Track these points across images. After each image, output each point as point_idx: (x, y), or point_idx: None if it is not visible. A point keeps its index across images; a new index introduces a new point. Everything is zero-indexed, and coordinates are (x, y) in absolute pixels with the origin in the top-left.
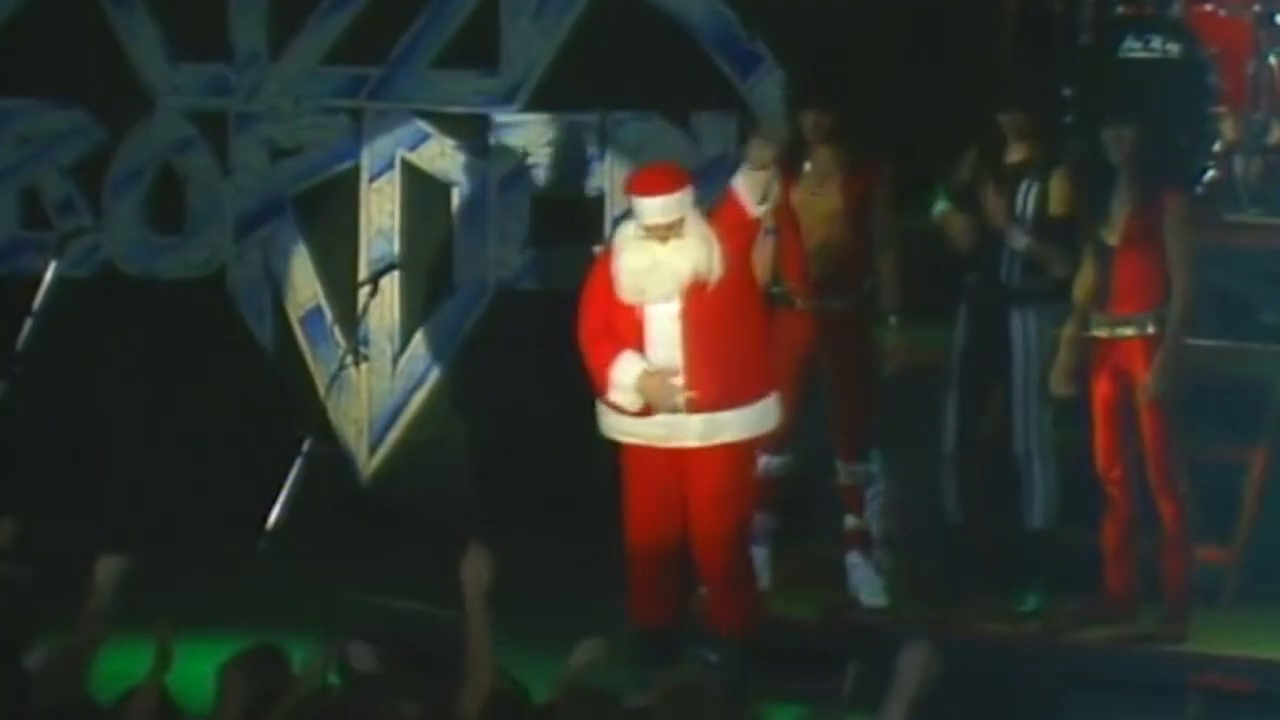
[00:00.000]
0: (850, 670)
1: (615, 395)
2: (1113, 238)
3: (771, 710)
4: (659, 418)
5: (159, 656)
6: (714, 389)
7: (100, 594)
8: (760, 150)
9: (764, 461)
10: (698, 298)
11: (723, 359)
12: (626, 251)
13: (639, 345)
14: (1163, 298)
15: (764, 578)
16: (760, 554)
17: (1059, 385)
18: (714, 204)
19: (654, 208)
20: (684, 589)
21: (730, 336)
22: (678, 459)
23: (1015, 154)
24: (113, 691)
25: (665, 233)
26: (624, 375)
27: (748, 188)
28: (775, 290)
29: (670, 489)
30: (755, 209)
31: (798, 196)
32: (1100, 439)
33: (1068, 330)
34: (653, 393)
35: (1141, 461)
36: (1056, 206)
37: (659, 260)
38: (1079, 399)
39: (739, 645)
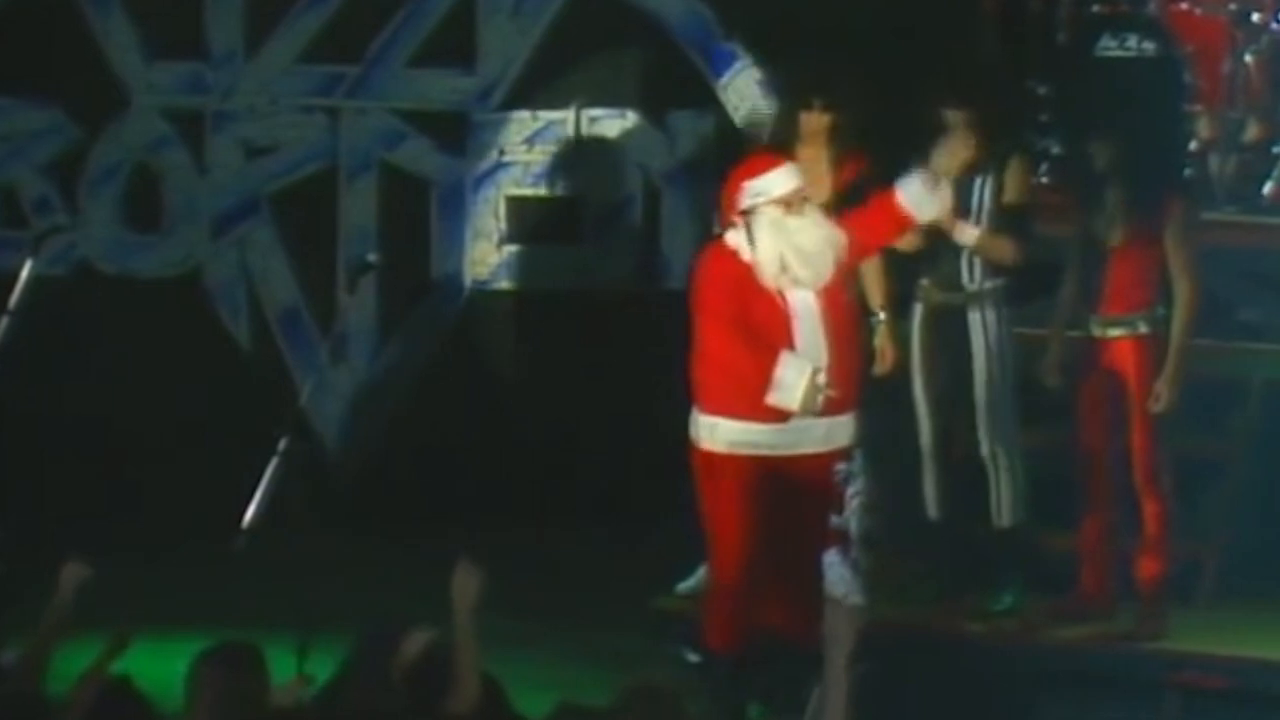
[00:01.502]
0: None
1: (778, 398)
2: (1109, 239)
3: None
4: (794, 423)
5: (111, 644)
6: (847, 389)
7: (62, 598)
8: (946, 159)
9: None
10: (832, 291)
11: (853, 357)
12: (766, 235)
13: (787, 341)
14: (1155, 299)
15: None
16: None
17: (1049, 378)
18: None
19: (782, 176)
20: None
21: (856, 334)
22: (787, 468)
23: (967, 150)
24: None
25: (797, 203)
26: (792, 375)
27: (920, 193)
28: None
29: (782, 502)
30: (920, 215)
31: None
32: (1084, 438)
33: (1055, 326)
34: (808, 394)
35: (1124, 461)
36: (1009, 196)
37: (801, 243)
38: (1050, 398)
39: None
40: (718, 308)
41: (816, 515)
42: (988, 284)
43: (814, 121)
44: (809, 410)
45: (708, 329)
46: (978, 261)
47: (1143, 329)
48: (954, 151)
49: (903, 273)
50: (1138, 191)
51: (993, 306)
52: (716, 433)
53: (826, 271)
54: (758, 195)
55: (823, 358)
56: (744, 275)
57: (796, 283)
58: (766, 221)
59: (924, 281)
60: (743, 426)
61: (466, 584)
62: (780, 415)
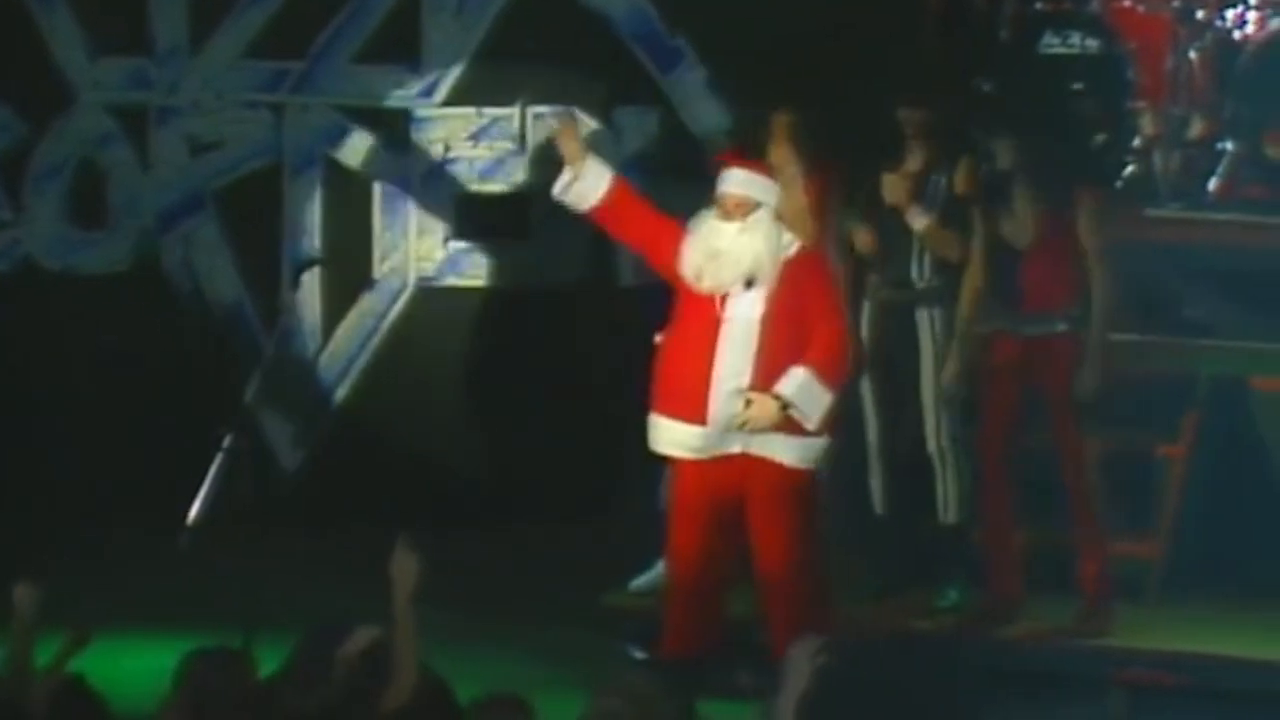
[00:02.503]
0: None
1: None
2: (1020, 239)
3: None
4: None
5: (69, 641)
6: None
7: (21, 618)
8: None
9: None
10: (781, 298)
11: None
12: (696, 232)
13: (710, 344)
14: (1073, 297)
15: None
16: None
17: (950, 381)
18: None
19: (735, 177)
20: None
21: (803, 342)
22: (718, 470)
23: (917, 149)
24: None
25: (736, 210)
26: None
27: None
28: None
29: (720, 505)
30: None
31: None
32: (990, 435)
33: (960, 327)
34: (722, 405)
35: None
36: (960, 187)
37: (720, 247)
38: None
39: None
40: (672, 306)
41: (769, 518)
42: (936, 281)
43: (786, 122)
44: (726, 423)
45: (664, 327)
46: (927, 258)
47: (1060, 327)
48: (909, 157)
49: (852, 270)
50: (1044, 188)
51: (941, 304)
52: (656, 432)
53: (737, 278)
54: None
55: (748, 365)
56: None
57: (702, 285)
58: (699, 222)
59: (873, 278)
60: (671, 425)
61: (406, 566)
62: (702, 416)
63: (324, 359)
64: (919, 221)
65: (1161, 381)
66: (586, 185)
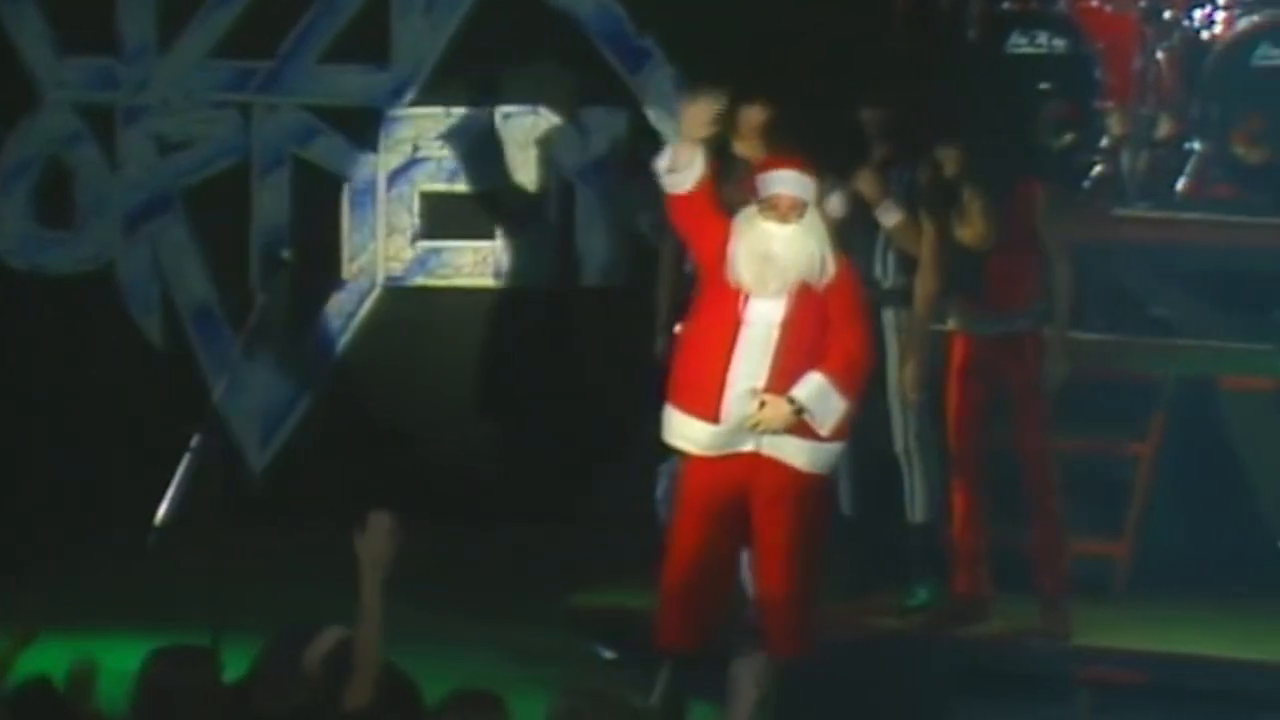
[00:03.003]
0: (662, 675)
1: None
2: (976, 242)
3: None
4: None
5: (16, 637)
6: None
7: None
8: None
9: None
10: (805, 304)
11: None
12: (744, 234)
13: (729, 344)
14: (1033, 296)
15: None
16: None
17: (911, 388)
18: None
19: (786, 178)
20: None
21: (823, 348)
22: (725, 468)
23: (880, 148)
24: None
25: (787, 212)
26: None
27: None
28: None
29: (725, 503)
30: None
31: (728, 193)
32: (956, 435)
33: (914, 330)
34: (734, 405)
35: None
36: (949, 173)
37: (775, 251)
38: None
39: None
40: (693, 296)
41: (774, 520)
42: (901, 281)
43: (753, 117)
44: (739, 422)
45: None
46: (891, 258)
47: (1023, 325)
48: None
49: None
50: (992, 188)
51: (908, 303)
52: (669, 424)
53: (780, 284)
54: (757, 192)
55: (763, 368)
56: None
57: (744, 287)
58: (743, 220)
59: None
60: (684, 419)
61: (377, 545)
62: (715, 414)
63: (293, 359)
64: (890, 217)
65: (1129, 380)
66: (691, 172)
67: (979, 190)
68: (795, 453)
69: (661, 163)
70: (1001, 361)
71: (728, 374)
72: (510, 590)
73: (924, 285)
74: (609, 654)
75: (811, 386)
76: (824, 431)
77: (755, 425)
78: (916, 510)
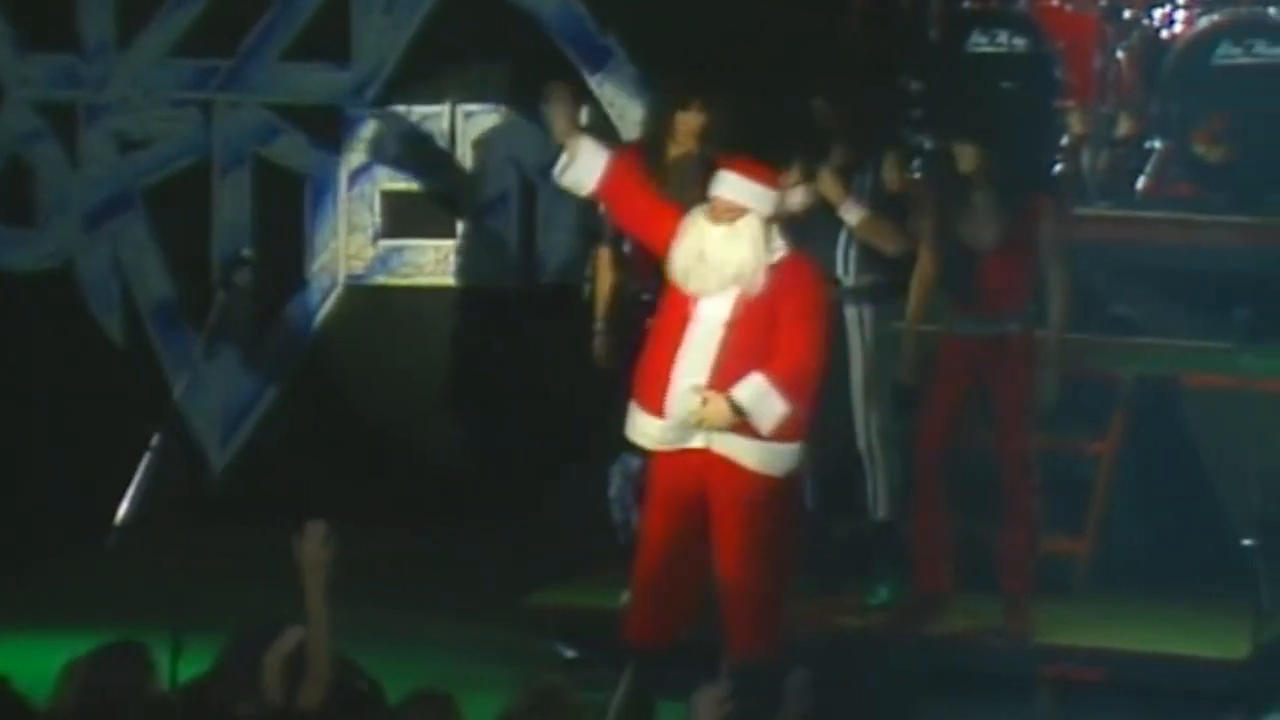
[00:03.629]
0: (624, 677)
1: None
2: (978, 241)
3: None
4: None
5: None
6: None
7: None
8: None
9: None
10: (754, 306)
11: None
12: (688, 231)
13: (676, 343)
14: (1025, 299)
15: None
16: None
17: (906, 377)
18: None
19: (728, 180)
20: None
21: (768, 350)
22: (678, 464)
23: (841, 146)
24: None
25: (723, 214)
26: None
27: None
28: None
29: (681, 500)
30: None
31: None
32: (930, 433)
33: (909, 324)
34: (679, 402)
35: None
36: (891, 183)
37: (706, 251)
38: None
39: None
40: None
41: (726, 518)
42: (865, 279)
43: (688, 121)
44: (683, 419)
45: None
46: (854, 256)
47: (1013, 328)
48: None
49: None
50: (1007, 192)
51: (870, 301)
52: (629, 419)
53: (709, 284)
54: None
55: (706, 366)
56: None
57: (689, 287)
58: (691, 217)
59: None
60: (637, 414)
61: (314, 554)
62: (662, 409)
63: (254, 358)
64: (854, 215)
65: (1089, 379)
66: (580, 168)
67: (996, 193)
68: (744, 453)
69: (555, 173)
70: (988, 363)
71: (673, 370)
72: (470, 588)
73: (922, 280)
74: (568, 653)
75: (751, 387)
76: (764, 432)
77: (699, 423)
78: (879, 508)
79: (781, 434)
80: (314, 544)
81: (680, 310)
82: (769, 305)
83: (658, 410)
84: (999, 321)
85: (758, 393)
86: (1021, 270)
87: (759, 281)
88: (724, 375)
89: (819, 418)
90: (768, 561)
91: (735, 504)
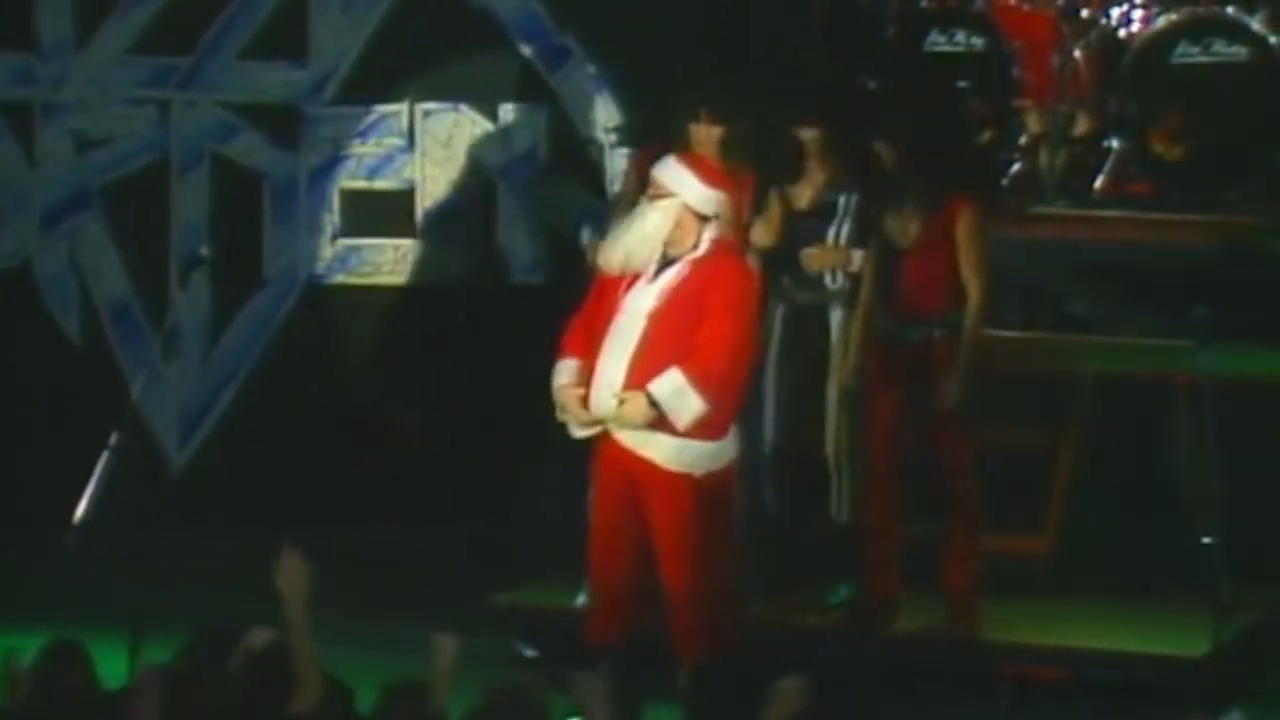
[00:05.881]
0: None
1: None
2: (900, 241)
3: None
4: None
5: None
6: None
7: None
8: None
9: None
10: (676, 295)
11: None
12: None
13: (603, 332)
14: (949, 303)
15: None
16: None
17: (843, 379)
18: None
19: (664, 163)
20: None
21: (690, 339)
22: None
23: (818, 167)
24: None
25: (655, 195)
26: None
27: None
28: None
29: (620, 496)
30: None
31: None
32: (875, 439)
33: (855, 329)
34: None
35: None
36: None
37: (624, 224)
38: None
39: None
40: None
41: (652, 517)
42: (849, 283)
43: (701, 133)
44: (603, 413)
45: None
46: None
47: (938, 332)
48: (811, 176)
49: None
50: (924, 192)
51: (852, 306)
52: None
53: (620, 261)
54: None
55: (625, 358)
56: None
57: (597, 261)
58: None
59: (785, 280)
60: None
61: (294, 574)
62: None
63: (212, 357)
64: (856, 264)
65: (1047, 377)
66: None
67: (916, 190)
68: (659, 450)
69: None
70: (918, 368)
71: (597, 360)
72: (433, 588)
73: (866, 285)
74: (530, 652)
75: (667, 383)
76: (680, 428)
77: (617, 422)
78: (843, 509)
79: (701, 432)
80: (292, 572)
81: (610, 301)
82: (694, 299)
83: (585, 402)
84: (924, 324)
85: (673, 387)
86: (941, 272)
87: (645, 262)
88: (641, 371)
89: (791, 420)
90: (699, 561)
91: (658, 503)
